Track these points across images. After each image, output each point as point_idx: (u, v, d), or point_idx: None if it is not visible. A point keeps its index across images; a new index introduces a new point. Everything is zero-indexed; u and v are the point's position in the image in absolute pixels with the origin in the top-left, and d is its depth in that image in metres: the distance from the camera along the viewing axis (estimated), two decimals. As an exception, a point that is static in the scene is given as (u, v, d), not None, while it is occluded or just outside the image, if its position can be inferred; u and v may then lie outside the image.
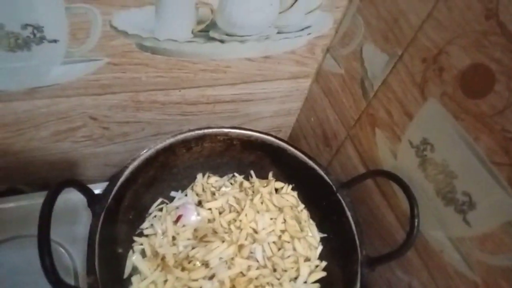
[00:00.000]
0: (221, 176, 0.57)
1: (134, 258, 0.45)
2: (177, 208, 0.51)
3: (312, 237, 0.51)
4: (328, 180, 0.51)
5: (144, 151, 0.47)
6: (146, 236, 0.48)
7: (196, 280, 0.44)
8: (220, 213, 0.51)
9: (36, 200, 0.56)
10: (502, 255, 0.34)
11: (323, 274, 0.49)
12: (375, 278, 0.53)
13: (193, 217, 0.50)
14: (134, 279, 0.44)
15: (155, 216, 0.51)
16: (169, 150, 0.50)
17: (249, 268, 0.46)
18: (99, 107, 0.51)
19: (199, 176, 0.56)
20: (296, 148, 0.53)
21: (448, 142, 0.38)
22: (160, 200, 0.52)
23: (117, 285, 0.42)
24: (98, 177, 0.64)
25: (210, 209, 0.51)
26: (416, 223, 0.40)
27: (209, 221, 0.50)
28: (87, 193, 0.40)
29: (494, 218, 0.34)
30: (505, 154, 0.32)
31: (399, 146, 0.45)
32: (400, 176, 0.43)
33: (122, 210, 0.46)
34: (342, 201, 0.49)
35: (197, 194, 0.54)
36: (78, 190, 0.38)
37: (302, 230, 0.51)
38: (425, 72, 0.40)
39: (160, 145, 0.49)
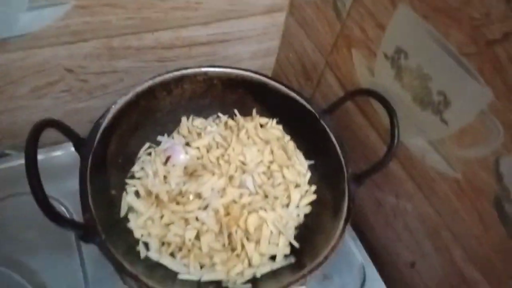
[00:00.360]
0: (205, 118, 0.57)
1: (128, 198, 0.46)
2: (165, 150, 0.51)
3: (300, 165, 0.53)
4: (311, 109, 0.51)
5: (123, 94, 0.47)
6: (138, 178, 0.49)
7: (191, 211, 0.45)
8: (207, 150, 0.52)
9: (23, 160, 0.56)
10: (478, 145, 0.36)
11: (314, 197, 0.51)
12: (364, 199, 0.55)
13: (181, 156, 0.50)
14: (131, 216, 0.45)
15: (144, 161, 0.51)
16: (149, 93, 0.50)
17: (241, 196, 0.47)
18: (73, 57, 0.50)
19: (184, 119, 0.56)
20: (276, 81, 0.53)
21: (420, 45, 0.39)
22: (147, 144, 0.53)
23: (114, 224, 0.43)
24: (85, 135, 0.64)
25: (198, 147, 0.52)
26: (396, 133, 0.41)
27: (197, 158, 0.51)
28: (72, 135, 0.40)
29: (468, 110, 0.35)
30: (474, 43, 0.33)
31: (375, 61, 0.45)
32: (378, 91, 0.43)
33: (110, 154, 0.46)
34: (326, 127, 0.50)
35: (183, 136, 0.54)
36: (61, 131, 0.38)
37: (289, 159, 0.52)
38: (394, -21, 0.39)
39: (139, 88, 0.48)
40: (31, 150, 0.32)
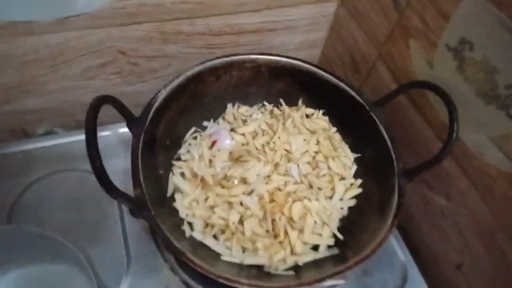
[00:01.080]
0: (250, 106, 0.57)
1: (175, 179, 0.46)
2: (211, 134, 0.51)
3: (346, 157, 0.52)
4: (361, 100, 0.50)
5: (175, 77, 0.47)
6: (184, 161, 0.49)
7: (236, 196, 0.45)
8: (253, 137, 0.52)
9: (71, 138, 0.58)
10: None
11: (359, 190, 0.50)
12: (411, 197, 0.53)
13: (227, 141, 0.50)
14: (177, 196, 0.45)
15: (190, 144, 0.51)
16: (198, 78, 0.50)
17: (286, 184, 0.47)
18: (126, 39, 0.51)
19: (229, 106, 0.56)
20: (326, 71, 0.52)
21: (489, 36, 0.37)
22: (193, 129, 0.53)
23: (161, 201, 0.44)
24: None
25: (243, 134, 0.52)
26: (455, 127, 0.40)
27: (242, 144, 0.51)
28: (126, 113, 0.41)
29: (541, 104, 0.33)
30: (554, 32, 0.31)
31: (435, 53, 0.43)
32: (438, 84, 0.42)
33: (159, 136, 0.47)
34: (376, 119, 0.48)
35: (228, 123, 0.54)
36: (116, 108, 0.39)
37: (335, 151, 0.51)
38: (463, -35, 0.38)
39: (190, 72, 0.49)
40: (91, 123, 0.32)
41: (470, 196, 0.44)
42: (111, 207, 0.52)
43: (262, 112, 0.56)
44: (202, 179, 0.46)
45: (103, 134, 0.59)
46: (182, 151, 0.50)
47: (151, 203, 0.38)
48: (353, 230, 0.46)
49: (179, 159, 0.50)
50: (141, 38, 0.52)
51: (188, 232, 0.43)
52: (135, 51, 0.54)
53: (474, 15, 0.38)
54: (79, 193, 0.52)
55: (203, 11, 0.52)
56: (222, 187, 0.45)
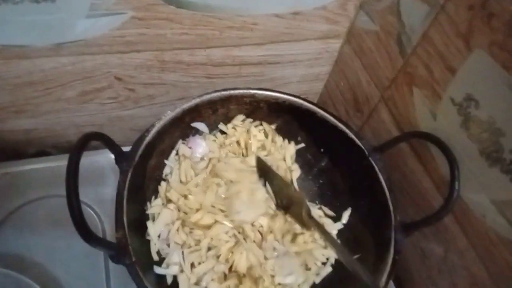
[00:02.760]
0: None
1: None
2: (188, 142, 0.52)
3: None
4: (360, 144, 0.48)
5: (170, 111, 0.46)
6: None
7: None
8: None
9: (64, 161, 0.56)
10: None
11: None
12: (408, 249, 0.51)
13: (201, 149, 0.51)
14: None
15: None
16: (195, 110, 0.49)
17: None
18: (124, 66, 0.50)
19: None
20: (326, 111, 0.51)
21: (496, 96, 0.35)
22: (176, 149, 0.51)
23: (145, 243, 0.42)
24: (124, 142, 0.63)
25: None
26: (456, 186, 0.38)
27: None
28: (115, 149, 0.39)
29: (548, 176, 0.31)
30: None
31: (439, 105, 0.42)
32: (440, 138, 0.40)
33: (150, 169, 0.46)
34: (375, 166, 0.47)
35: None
36: (105, 144, 0.38)
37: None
38: (472, 21, 0.36)
39: (186, 105, 0.47)
40: (73, 164, 0.31)
41: (468, 257, 0.42)
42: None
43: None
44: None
45: (96, 159, 0.57)
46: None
47: (133, 247, 0.36)
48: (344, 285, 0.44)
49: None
50: (139, 65, 0.51)
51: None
52: (133, 78, 0.52)
53: (481, 73, 0.36)
54: (65, 222, 0.50)
55: (205, 42, 0.50)
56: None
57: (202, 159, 0.51)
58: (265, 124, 0.55)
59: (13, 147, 0.57)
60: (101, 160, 0.57)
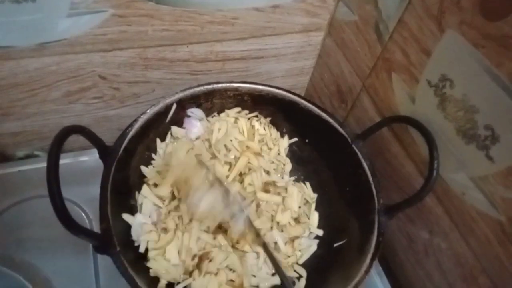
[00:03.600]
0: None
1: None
2: (183, 122, 0.52)
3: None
4: (343, 132, 0.49)
5: (154, 105, 0.47)
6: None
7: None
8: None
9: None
10: (528, 188, 0.32)
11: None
12: (394, 233, 0.52)
13: (195, 129, 0.52)
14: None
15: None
16: (178, 105, 0.49)
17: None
18: (107, 64, 0.51)
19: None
20: (309, 101, 0.51)
21: (468, 74, 0.36)
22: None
23: (130, 235, 0.42)
24: (112, 143, 0.64)
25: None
26: (435, 165, 0.38)
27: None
28: (97, 143, 0.40)
29: (520, 148, 0.32)
30: (531, 75, 0.30)
31: (417, 88, 0.43)
32: (419, 120, 0.41)
33: (134, 164, 0.46)
34: (358, 152, 0.47)
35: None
36: (87, 138, 0.38)
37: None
38: (442, 3, 0.37)
39: (169, 100, 0.48)
40: (53, 155, 0.32)
41: (452, 237, 0.42)
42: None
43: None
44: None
45: (83, 158, 0.58)
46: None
47: (118, 238, 0.37)
48: (329, 269, 0.44)
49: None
50: (123, 63, 0.51)
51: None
52: (117, 77, 0.53)
53: (453, 53, 0.37)
54: (54, 221, 0.51)
55: (186, 38, 0.51)
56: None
57: (196, 139, 0.52)
58: (261, 118, 0.56)
59: (1, 151, 0.57)
60: (88, 161, 0.58)
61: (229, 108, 0.54)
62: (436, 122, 0.41)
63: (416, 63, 0.42)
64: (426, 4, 0.39)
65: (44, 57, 0.47)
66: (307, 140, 0.55)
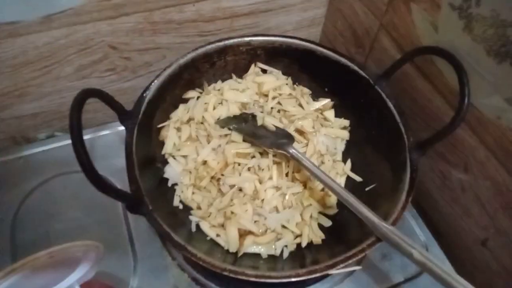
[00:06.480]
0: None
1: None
2: None
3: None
4: (364, 75, 0.47)
5: (167, 66, 0.46)
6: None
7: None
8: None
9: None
10: None
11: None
12: (427, 174, 0.50)
13: None
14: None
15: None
16: (191, 66, 0.48)
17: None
18: (116, 33, 0.50)
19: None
20: (325, 47, 0.49)
21: (496, -14, 0.33)
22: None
23: (160, 195, 0.42)
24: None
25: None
26: (466, 91, 0.36)
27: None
28: (116, 106, 0.39)
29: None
30: None
31: (439, 14, 0.40)
32: (444, 47, 0.38)
33: (155, 128, 0.46)
34: (382, 93, 0.46)
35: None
36: (104, 101, 0.37)
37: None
38: None
39: (182, 61, 0.47)
40: (75, 119, 0.31)
41: (490, 166, 0.40)
42: (115, 207, 0.51)
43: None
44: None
45: (103, 133, 0.58)
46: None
47: (149, 198, 0.37)
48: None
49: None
50: (131, 30, 0.50)
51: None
52: (127, 45, 0.52)
53: (478, -34, 0.34)
54: (82, 195, 0.51)
55: (191, -4, 0.49)
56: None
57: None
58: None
59: (23, 133, 0.58)
60: (109, 134, 0.58)
61: (243, 66, 0.52)
62: (463, 47, 0.38)
63: (436, -13, 0.39)
64: None
65: (52, 30, 0.46)
66: (326, 89, 0.53)
